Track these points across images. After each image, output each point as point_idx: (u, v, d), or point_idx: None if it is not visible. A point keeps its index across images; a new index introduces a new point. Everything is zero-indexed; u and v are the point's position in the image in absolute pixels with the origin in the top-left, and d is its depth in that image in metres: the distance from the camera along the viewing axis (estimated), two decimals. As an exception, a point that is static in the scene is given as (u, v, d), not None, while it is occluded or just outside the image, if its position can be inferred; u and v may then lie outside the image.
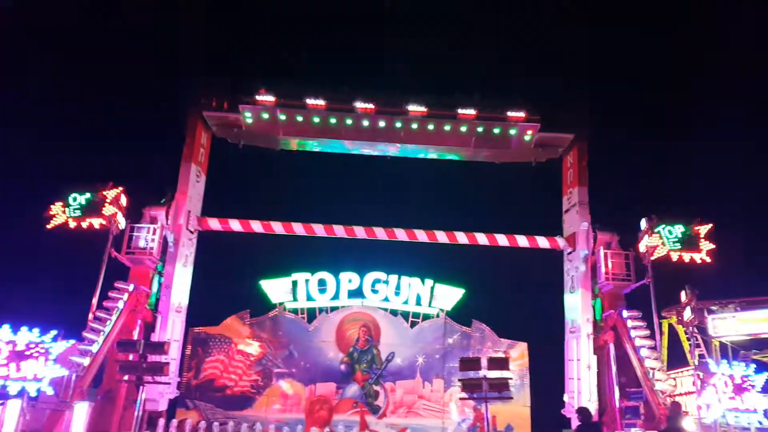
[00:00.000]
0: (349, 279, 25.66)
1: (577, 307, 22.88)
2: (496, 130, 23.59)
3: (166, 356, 17.68)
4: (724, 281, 24.69)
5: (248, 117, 23.40)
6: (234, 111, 23.55)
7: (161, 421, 21.01)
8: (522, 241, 24.82)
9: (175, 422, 21.99)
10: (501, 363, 15.06)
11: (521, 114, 23.49)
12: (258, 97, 23.10)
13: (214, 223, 24.01)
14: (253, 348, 25.09)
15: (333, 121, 23.39)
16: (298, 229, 23.86)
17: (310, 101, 23.12)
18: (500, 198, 28.99)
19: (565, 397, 22.72)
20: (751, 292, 24.07)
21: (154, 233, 21.63)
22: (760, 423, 19.40)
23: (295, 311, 25.66)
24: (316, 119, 23.31)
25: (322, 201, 29.10)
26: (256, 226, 24.08)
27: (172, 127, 24.89)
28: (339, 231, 23.63)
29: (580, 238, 23.39)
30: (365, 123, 23.24)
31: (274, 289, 25.63)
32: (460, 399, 20.43)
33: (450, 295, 27.72)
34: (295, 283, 25.58)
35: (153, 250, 21.45)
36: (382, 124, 23.26)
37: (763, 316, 23.08)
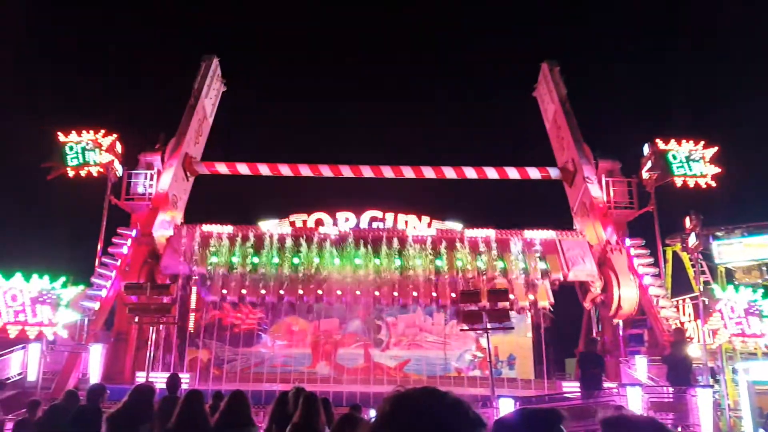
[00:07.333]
0: (345, 218, 25.32)
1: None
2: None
3: (173, 297, 17.76)
4: (730, 206, 24.11)
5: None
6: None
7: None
8: (512, 173, 23.69)
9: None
10: (500, 295, 14.87)
11: None
12: None
13: (221, 168, 23.67)
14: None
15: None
16: (305, 171, 23.64)
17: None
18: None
19: None
20: (756, 217, 23.38)
21: (151, 179, 21.47)
22: (767, 347, 19.08)
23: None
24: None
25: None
26: (243, 168, 23.49)
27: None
28: (325, 171, 23.41)
29: (580, 167, 22.41)
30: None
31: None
32: (461, 330, 20.48)
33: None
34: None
35: (151, 196, 21.33)
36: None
37: (770, 241, 22.69)
